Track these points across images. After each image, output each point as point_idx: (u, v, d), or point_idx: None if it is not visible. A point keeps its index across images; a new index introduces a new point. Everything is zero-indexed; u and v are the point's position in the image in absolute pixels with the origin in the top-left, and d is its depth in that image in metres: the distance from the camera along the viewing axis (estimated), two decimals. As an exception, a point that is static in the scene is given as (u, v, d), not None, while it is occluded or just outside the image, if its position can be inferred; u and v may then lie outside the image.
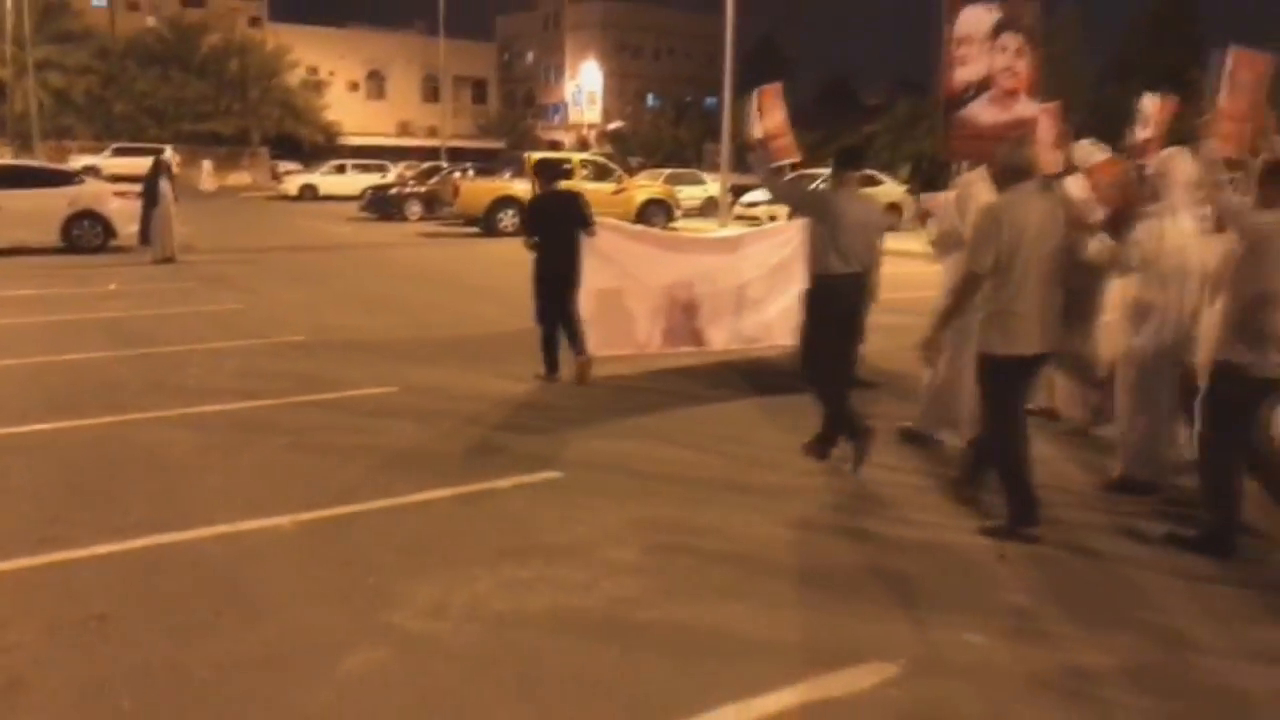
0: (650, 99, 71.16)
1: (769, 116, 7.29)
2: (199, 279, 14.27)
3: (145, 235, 16.52)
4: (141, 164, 38.74)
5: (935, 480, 5.72)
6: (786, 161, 7.84)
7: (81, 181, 18.42)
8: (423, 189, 29.04)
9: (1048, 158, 6.32)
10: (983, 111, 6.50)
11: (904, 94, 51.07)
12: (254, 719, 3.26)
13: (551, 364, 8.09)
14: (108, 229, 17.59)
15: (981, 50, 6.47)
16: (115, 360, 8.73)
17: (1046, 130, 6.66)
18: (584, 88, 73.81)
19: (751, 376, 8.40)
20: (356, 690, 3.42)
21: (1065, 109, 7.09)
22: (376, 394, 7.62)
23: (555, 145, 65.52)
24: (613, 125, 66.88)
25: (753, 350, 8.90)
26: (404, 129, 69.28)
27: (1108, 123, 12.30)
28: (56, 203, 17.28)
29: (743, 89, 51.72)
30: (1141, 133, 7.21)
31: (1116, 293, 6.11)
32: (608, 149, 56.46)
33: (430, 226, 26.13)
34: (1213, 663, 3.73)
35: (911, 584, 4.37)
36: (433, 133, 60.93)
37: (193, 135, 51.84)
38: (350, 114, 64.76)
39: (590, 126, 70.51)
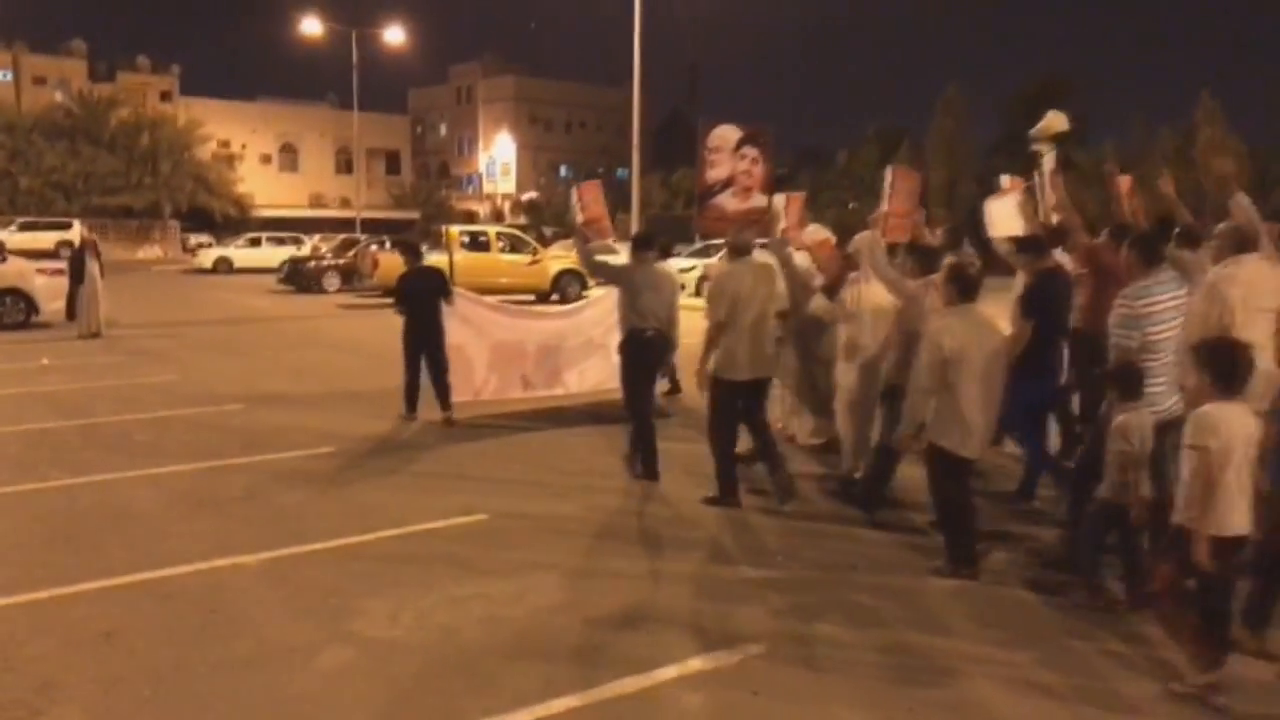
0: (563, 170, 72.93)
1: (589, 208, 8.74)
2: (127, 352, 14.80)
3: (71, 311, 16.99)
4: (47, 239, 39.19)
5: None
6: (605, 241, 9.36)
7: (4, 260, 18.79)
8: (341, 261, 29.67)
9: (794, 235, 8.40)
10: (727, 202, 8.57)
11: (808, 165, 53.49)
12: (254, 700, 4.10)
13: (411, 405, 9.80)
14: (30, 305, 18.00)
15: (727, 157, 8.53)
16: (64, 429, 9.37)
17: (794, 215, 8.74)
18: (498, 159, 75.23)
19: (587, 411, 10.09)
20: (332, 680, 4.28)
21: (925, 184, 8.57)
22: (316, 453, 8.41)
23: (471, 216, 66.64)
24: (526, 196, 68.35)
25: (586, 394, 10.62)
26: (317, 200, 69.71)
27: (994, 190, 13.55)
28: (-22, 280, 17.68)
29: (657, 159, 53.39)
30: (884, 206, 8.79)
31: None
32: (522, 219, 57.79)
33: (349, 298, 26.73)
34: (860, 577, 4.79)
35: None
36: (346, 204, 61.56)
37: (102, 209, 51.65)
38: (263, 186, 65.04)
39: (505, 197, 71.87)
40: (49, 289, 17.96)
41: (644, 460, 7.62)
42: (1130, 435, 4.97)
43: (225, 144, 64.36)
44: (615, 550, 6.07)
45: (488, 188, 74.66)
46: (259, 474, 7.78)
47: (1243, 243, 5.73)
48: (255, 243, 41.05)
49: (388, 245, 27.66)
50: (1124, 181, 8.60)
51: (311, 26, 47.47)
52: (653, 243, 8.16)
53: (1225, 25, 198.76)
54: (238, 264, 38.90)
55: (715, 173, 8.74)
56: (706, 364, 6.84)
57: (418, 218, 59.76)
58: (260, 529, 6.33)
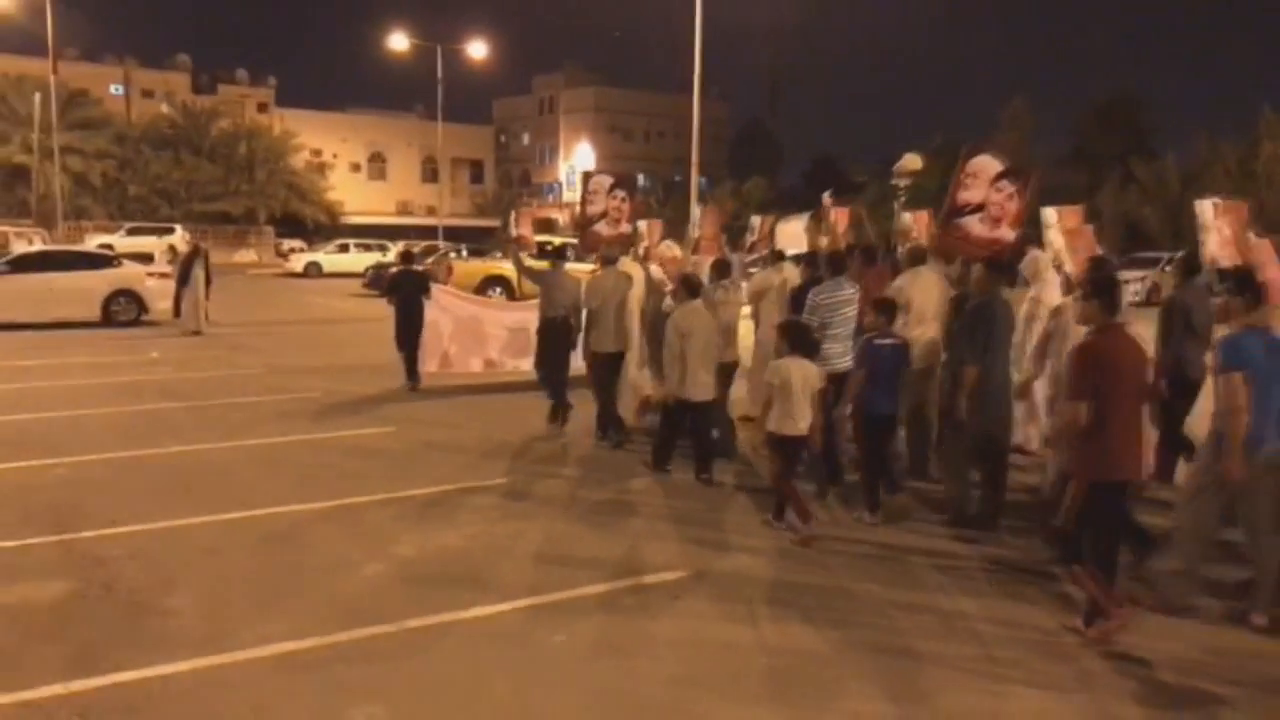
0: (641, 178, 74.61)
1: (520, 229, 12.20)
2: (225, 348, 16.75)
3: (178, 310, 19.08)
4: (152, 243, 42.05)
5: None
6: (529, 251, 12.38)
7: (120, 265, 21.03)
8: (420, 268, 31.60)
9: (652, 252, 10.91)
10: (603, 229, 10.39)
11: (879, 177, 54.12)
12: (316, 593, 5.69)
13: (411, 373, 12.61)
14: (141, 305, 20.18)
15: (603, 196, 10.33)
16: (174, 409, 11.21)
17: (654, 235, 11.80)
18: (578, 168, 77.26)
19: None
20: (370, 581, 5.85)
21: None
22: (373, 433, 10.09)
23: (549, 224, 68.81)
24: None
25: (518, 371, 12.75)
26: (403, 208, 72.56)
27: (1058, 201, 14.48)
28: (97, 283, 19.92)
29: (735, 169, 54.46)
30: (699, 230, 10.62)
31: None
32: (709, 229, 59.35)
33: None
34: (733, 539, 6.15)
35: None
36: (431, 211, 64.06)
37: (202, 215, 54.96)
38: (352, 194, 68.12)
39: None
40: (157, 290, 20.12)
41: (600, 422, 9.81)
42: (774, 375, 6.93)
43: (317, 153, 67.60)
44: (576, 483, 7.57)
45: (567, 195, 76.72)
46: (328, 446, 9.47)
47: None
48: (343, 249, 43.44)
49: (463, 253, 29.56)
50: (841, 215, 11.24)
51: (399, 42, 49.93)
52: (563, 256, 11.59)
53: None
54: (327, 269, 41.27)
55: (594, 209, 11.09)
56: (589, 341, 9.75)
57: (498, 225, 61.92)
58: (326, 485, 7.98)
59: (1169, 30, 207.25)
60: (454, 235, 48.87)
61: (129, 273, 20.76)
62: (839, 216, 11.21)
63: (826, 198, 11.09)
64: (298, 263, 42.49)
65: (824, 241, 10.49)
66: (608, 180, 11.48)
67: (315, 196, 61.71)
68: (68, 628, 5.22)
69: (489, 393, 12.48)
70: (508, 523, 7.13)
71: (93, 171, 53.16)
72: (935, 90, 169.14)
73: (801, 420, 6.84)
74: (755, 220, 11.63)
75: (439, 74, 51.45)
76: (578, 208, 10.76)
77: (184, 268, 19.06)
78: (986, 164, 8.75)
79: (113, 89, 63.82)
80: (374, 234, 48.69)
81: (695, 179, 26.16)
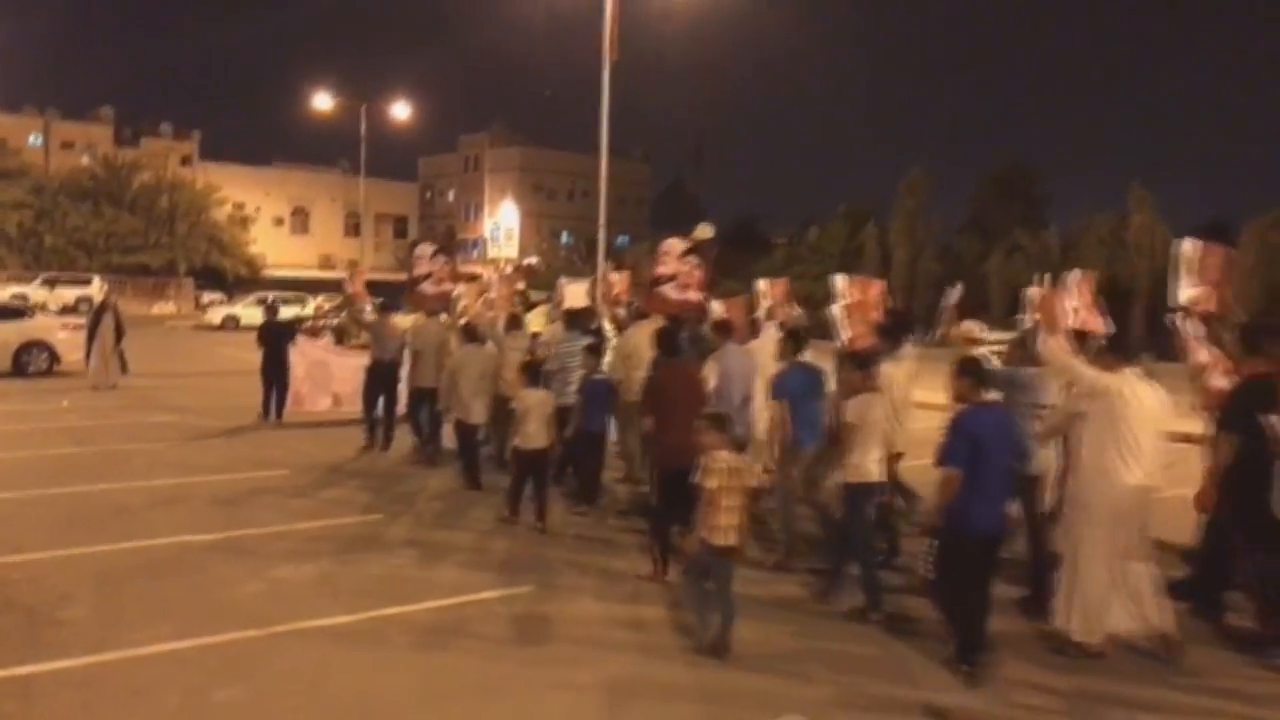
0: (565, 236, 76.10)
1: (354, 287, 14.99)
2: (136, 398, 17.36)
3: (89, 362, 19.51)
4: (68, 294, 42.11)
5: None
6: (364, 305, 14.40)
7: (32, 316, 21.49)
8: (335, 322, 32.34)
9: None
10: (428, 288, 12.48)
11: (795, 240, 56.20)
12: (204, 602, 6.58)
13: (265, 411, 14.72)
14: (54, 356, 20.63)
15: (426, 261, 12.70)
16: (81, 454, 11.93)
17: (618, 286, 13.68)
18: (502, 225, 78.54)
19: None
20: (253, 595, 6.75)
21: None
22: (267, 475, 10.95)
23: (473, 278, 69.68)
24: (527, 261, 71.35)
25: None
26: (326, 262, 72.84)
27: (956, 268, 15.91)
28: (8, 334, 20.36)
29: (656, 228, 55.77)
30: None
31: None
32: (520, 285, 60.50)
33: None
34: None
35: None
36: (354, 265, 64.52)
37: (121, 267, 54.75)
38: (275, 247, 68.38)
39: (507, 261, 74.91)
40: (71, 342, 20.57)
41: (426, 450, 11.93)
42: (519, 403, 9.11)
43: (240, 206, 67.80)
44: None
45: (491, 252, 77.83)
46: (224, 486, 10.32)
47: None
48: (262, 302, 43.71)
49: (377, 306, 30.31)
50: (619, 280, 13.86)
51: (323, 102, 50.80)
52: (390, 310, 13.37)
53: (1160, 124, 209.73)
54: (244, 321, 41.48)
55: (419, 271, 13.13)
56: (413, 377, 11.91)
57: (341, 280, 62.60)
58: (218, 519, 8.84)
59: (1066, 104, 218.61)
60: (376, 289, 49.32)
61: (41, 324, 21.23)
62: (616, 281, 13.45)
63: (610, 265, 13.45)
64: (215, 316, 42.76)
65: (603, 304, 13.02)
66: (430, 248, 13.61)
67: (236, 249, 61.84)
68: (-26, 634, 6.05)
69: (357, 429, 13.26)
70: (369, 551, 8.11)
71: (8, 222, 52.83)
72: (852, 154, 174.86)
73: (538, 438, 8.83)
74: (614, 276, 13.57)
75: (363, 132, 52.50)
76: (413, 270, 12.78)
77: (93, 320, 19.48)
78: (674, 244, 11.08)
79: (31, 139, 63.60)
80: (295, 287, 49.10)
81: (603, 237, 27.36)
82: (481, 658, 5.98)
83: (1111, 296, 10.20)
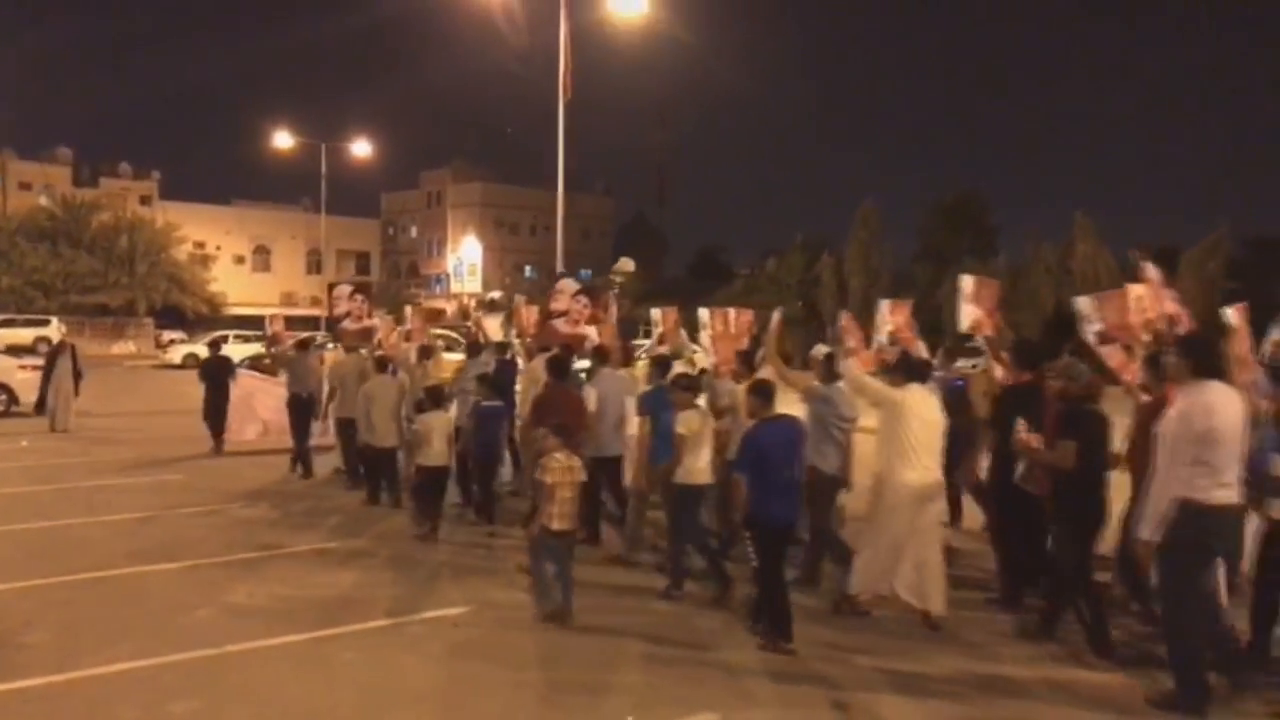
0: (528, 270, 76.53)
1: (275, 325, 15.90)
2: (94, 437, 17.57)
3: (40, 406, 19.36)
4: (25, 335, 41.89)
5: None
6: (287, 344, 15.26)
7: (-11, 357, 21.60)
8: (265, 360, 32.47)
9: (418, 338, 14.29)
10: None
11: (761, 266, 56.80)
12: (157, 626, 6.93)
13: (217, 444, 15.59)
14: (11, 397, 20.73)
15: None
16: (40, 491, 12.18)
17: (528, 317, 14.06)
18: (465, 260, 78.91)
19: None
20: (203, 621, 7.11)
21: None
22: (225, 508, 11.29)
23: (438, 314, 69.98)
24: (491, 295, 71.70)
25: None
26: (288, 299, 72.80)
27: (910, 295, 16.30)
28: (-35, 375, 20.48)
29: (620, 258, 56.00)
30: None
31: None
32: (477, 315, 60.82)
33: (301, 392, 29.55)
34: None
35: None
36: (316, 302, 64.72)
37: (79, 307, 54.54)
38: (236, 285, 68.39)
39: (470, 296, 75.23)
40: (29, 383, 20.63)
41: (361, 483, 12.08)
42: (420, 425, 10.18)
43: (201, 245, 67.88)
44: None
45: (455, 287, 78.15)
46: (181, 520, 10.65)
47: None
48: (223, 340, 43.73)
49: (331, 345, 30.58)
50: (529, 313, 14.28)
51: (283, 140, 51.20)
52: (309, 345, 14.62)
53: (1105, 152, 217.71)
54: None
55: (339, 310, 14.87)
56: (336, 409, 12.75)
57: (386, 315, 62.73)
58: (175, 551, 9.18)
59: (1019, 140, 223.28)
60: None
61: (-1, 365, 21.35)
62: (527, 315, 14.18)
63: (519, 299, 14.47)
64: (175, 354, 42.75)
65: (515, 336, 13.84)
66: (348, 289, 14.76)
67: (196, 288, 61.77)
68: (-61, 659, 6.36)
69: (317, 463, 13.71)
70: (319, 573, 8.50)
71: (-36, 263, 52.59)
72: (810, 184, 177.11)
73: (440, 457, 9.92)
74: (522, 308, 14.89)
75: (323, 170, 53.00)
76: (333, 310, 14.41)
77: (49, 362, 19.48)
78: (567, 285, 13.07)
79: (-14, 180, 63.38)
80: (256, 325, 49.12)
81: (560, 271, 27.91)
82: (421, 670, 6.38)
83: (1058, 322, 11.22)
